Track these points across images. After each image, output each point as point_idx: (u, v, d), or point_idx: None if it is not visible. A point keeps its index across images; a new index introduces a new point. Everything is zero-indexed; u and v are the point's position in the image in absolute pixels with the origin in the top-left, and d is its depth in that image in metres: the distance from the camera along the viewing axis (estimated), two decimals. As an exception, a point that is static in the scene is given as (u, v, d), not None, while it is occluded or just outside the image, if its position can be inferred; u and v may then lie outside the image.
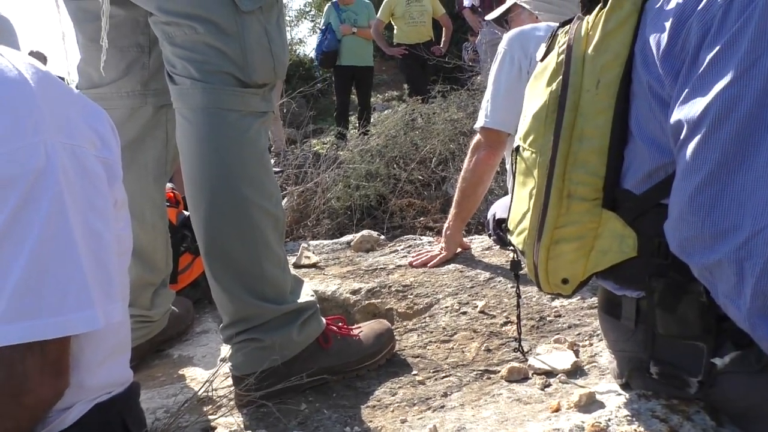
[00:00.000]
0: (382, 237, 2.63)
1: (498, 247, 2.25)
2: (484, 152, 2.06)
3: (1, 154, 0.73)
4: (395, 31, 5.87)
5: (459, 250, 2.22)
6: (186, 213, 2.03)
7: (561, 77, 0.98)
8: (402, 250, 2.41)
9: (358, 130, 4.58)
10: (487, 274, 1.98)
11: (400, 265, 2.22)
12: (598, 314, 1.20)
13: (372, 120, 5.92)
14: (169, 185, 1.92)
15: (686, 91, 0.83)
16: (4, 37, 1.14)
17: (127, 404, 1.02)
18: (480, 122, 2.06)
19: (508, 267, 2.00)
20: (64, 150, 0.78)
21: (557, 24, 2.03)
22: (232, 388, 1.36)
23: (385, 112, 7.15)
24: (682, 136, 0.84)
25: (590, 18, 0.99)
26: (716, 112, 0.79)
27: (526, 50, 1.99)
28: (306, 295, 1.37)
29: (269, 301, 1.28)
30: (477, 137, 2.11)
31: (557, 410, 1.13)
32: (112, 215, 0.89)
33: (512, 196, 1.16)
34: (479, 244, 2.33)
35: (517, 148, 1.12)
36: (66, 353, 0.80)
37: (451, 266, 2.11)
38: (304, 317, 1.33)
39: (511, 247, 1.24)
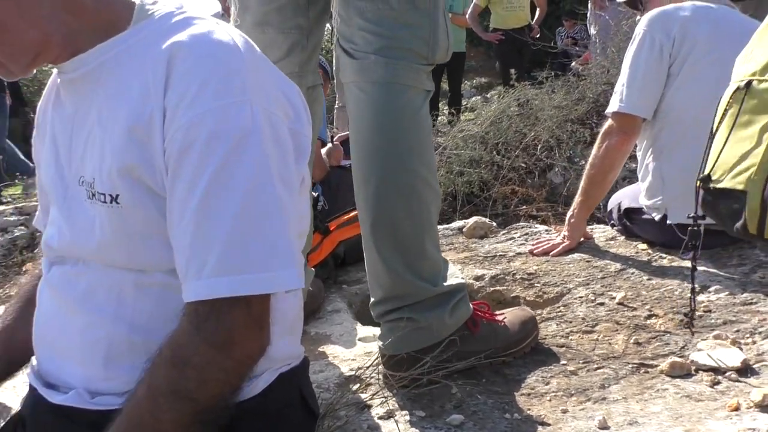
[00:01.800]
0: (494, 224, 2.59)
1: (623, 237, 2.17)
2: (617, 138, 1.98)
3: (214, 108, 0.76)
4: (492, 16, 5.76)
5: (582, 239, 2.16)
6: (314, 194, 2.06)
7: None
8: (519, 237, 2.36)
9: (451, 117, 4.52)
10: (618, 265, 1.91)
11: (519, 253, 2.18)
12: None
13: (465, 105, 5.85)
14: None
15: None
16: None
17: (303, 377, 1.04)
18: (613, 107, 1.98)
19: (640, 258, 1.94)
20: (264, 114, 0.81)
21: (705, 3, 1.93)
22: (380, 367, 1.37)
23: (475, 98, 7.06)
24: None
25: None
26: None
27: (668, 32, 1.89)
28: (455, 278, 1.36)
29: (426, 280, 1.28)
30: (609, 122, 2.03)
31: (736, 409, 1.07)
32: (297, 192, 0.91)
33: (714, 144, 1.09)
34: (602, 233, 2.25)
35: (748, 84, 1.04)
36: (268, 309, 0.82)
37: (576, 256, 2.05)
38: (455, 299, 1.32)
39: (692, 218, 1.18)
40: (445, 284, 1.33)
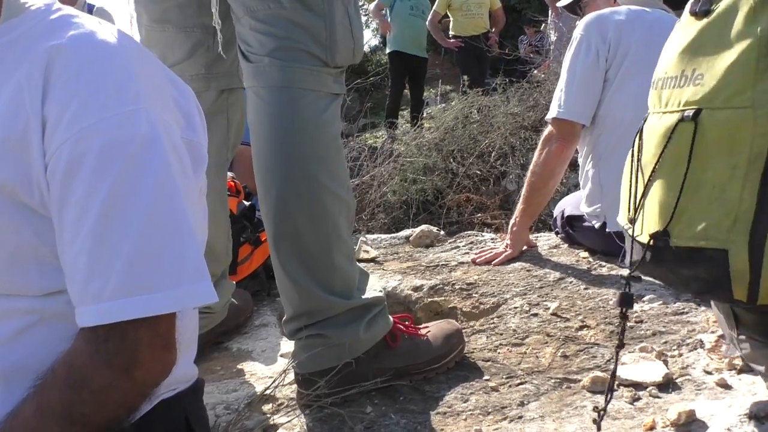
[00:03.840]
0: (442, 233, 2.54)
1: (566, 245, 2.13)
2: (557, 144, 1.94)
3: (106, 118, 0.70)
4: (451, 23, 5.75)
5: (525, 247, 2.11)
6: (246, 203, 1.98)
7: None
8: (464, 246, 2.31)
9: (411, 124, 4.48)
10: (557, 274, 1.87)
11: (462, 262, 2.12)
12: (739, 340, 1.00)
13: (426, 113, 5.83)
14: (229, 174, 1.88)
15: None
16: None
17: (191, 402, 0.97)
18: (552, 113, 1.95)
19: (579, 267, 1.90)
20: (161, 121, 0.75)
21: (640, 6, 1.90)
22: (294, 386, 1.30)
23: (439, 106, 7.06)
24: None
25: None
26: None
27: (604, 36, 1.86)
28: (373, 291, 1.30)
29: (337, 294, 1.21)
30: (548, 128, 1.99)
31: (652, 428, 1.02)
32: (195, 202, 0.84)
33: (657, 190, 0.93)
34: (546, 241, 2.21)
35: (696, 114, 0.87)
36: (174, 326, 0.76)
37: (517, 264, 2.00)
38: (371, 314, 1.26)
39: (626, 265, 0.99)
40: (362, 297, 1.27)
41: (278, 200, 1.18)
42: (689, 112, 0.87)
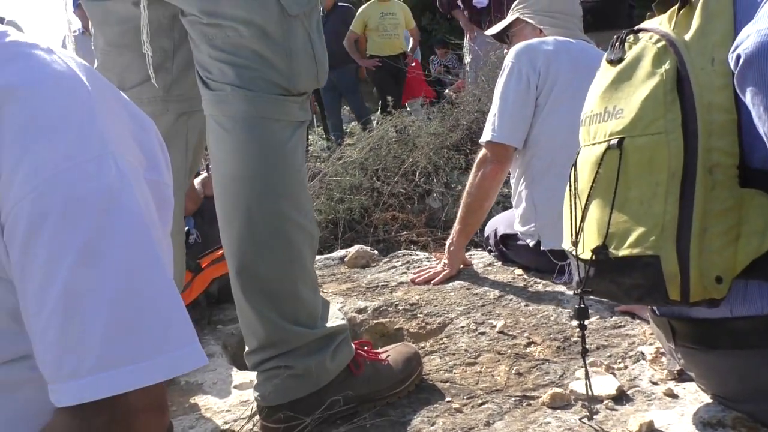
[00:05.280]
0: (375, 252, 2.56)
1: (500, 263, 2.22)
2: (491, 167, 2.02)
3: (69, 168, 0.62)
4: (368, 43, 5.83)
5: (461, 266, 2.17)
6: (185, 227, 1.91)
7: (671, 58, 0.95)
8: (400, 266, 2.34)
9: (330, 142, 4.48)
10: (496, 292, 1.94)
11: (402, 282, 2.15)
12: (678, 351, 1.10)
13: (345, 131, 5.85)
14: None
15: None
16: None
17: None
18: (486, 136, 2.02)
19: (516, 284, 1.97)
20: (128, 165, 0.68)
21: (565, 38, 2.03)
22: (256, 418, 1.27)
23: (352, 124, 7.10)
24: None
25: (664, 17, 1.03)
26: None
27: (534, 64, 1.97)
28: (336, 319, 1.30)
29: (302, 325, 1.20)
30: (483, 152, 2.07)
31: (616, 440, 1.08)
32: (164, 250, 0.79)
33: (594, 211, 1.05)
34: (480, 260, 2.29)
35: (620, 142, 0.99)
36: (165, 389, 0.69)
37: (456, 283, 2.06)
38: (336, 342, 1.25)
39: (578, 288, 1.08)
40: (326, 326, 1.26)
41: (242, 232, 1.15)
42: (614, 141, 1.01)
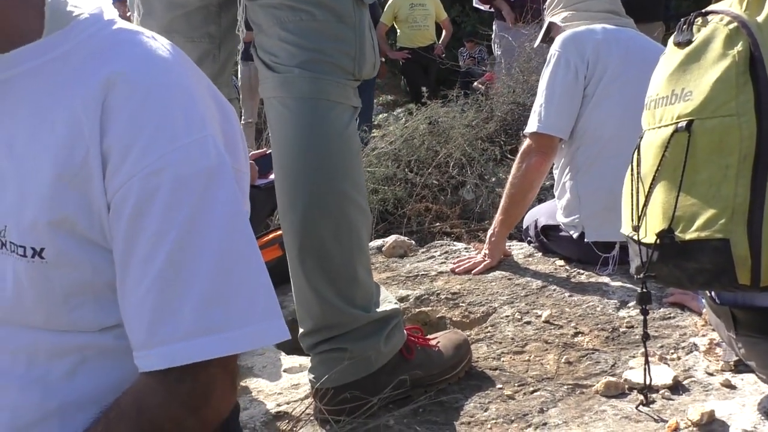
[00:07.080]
0: (413, 242, 2.57)
1: (540, 254, 2.20)
2: (536, 158, 2.01)
3: (176, 149, 0.66)
4: (398, 35, 5.82)
5: (501, 257, 2.17)
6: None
7: (743, 39, 0.95)
8: (439, 256, 2.34)
9: (363, 134, 4.47)
10: (539, 282, 1.93)
11: (441, 272, 2.15)
12: (738, 341, 1.09)
13: (374, 123, 5.86)
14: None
15: None
16: None
17: (233, 420, 0.94)
18: (532, 127, 2.01)
19: (559, 275, 1.97)
20: (222, 146, 0.71)
21: (613, 26, 2.00)
22: (310, 400, 1.28)
23: (379, 116, 7.11)
24: None
25: (734, 0, 1.02)
26: None
27: (582, 54, 1.94)
28: (389, 303, 1.30)
29: (359, 307, 1.21)
30: (527, 142, 2.05)
31: (676, 430, 1.08)
32: None
33: (658, 195, 1.04)
34: (519, 251, 2.27)
35: (688, 125, 0.99)
36: (237, 362, 0.74)
37: (497, 273, 2.05)
38: (390, 326, 1.26)
39: (639, 273, 1.08)
40: (378, 310, 1.27)
41: (305, 214, 1.17)
42: (682, 124, 1.00)
